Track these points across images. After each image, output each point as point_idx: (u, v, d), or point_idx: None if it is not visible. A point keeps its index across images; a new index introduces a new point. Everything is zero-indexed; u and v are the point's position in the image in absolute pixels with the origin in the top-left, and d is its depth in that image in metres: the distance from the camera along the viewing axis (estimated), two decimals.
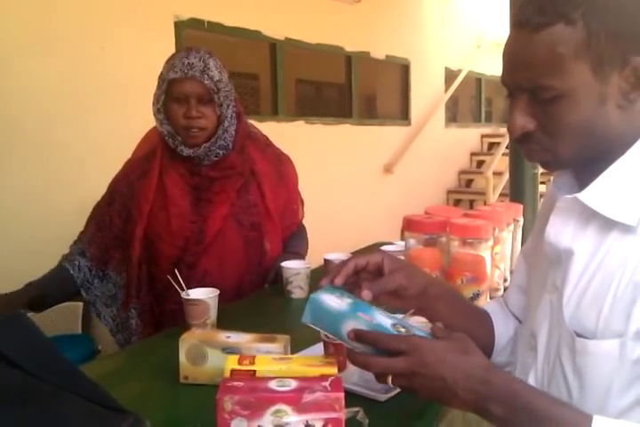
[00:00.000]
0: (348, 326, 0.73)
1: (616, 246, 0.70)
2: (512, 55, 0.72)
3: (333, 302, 0.76)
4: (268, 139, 1.70)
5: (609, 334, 0.68)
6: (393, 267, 0.84)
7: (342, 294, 0.78)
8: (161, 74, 1.48)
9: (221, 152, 1.50)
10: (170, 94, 1.45)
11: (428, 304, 0.88)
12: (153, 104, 1.49)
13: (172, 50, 3.39)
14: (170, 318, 1.49)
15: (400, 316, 0.82)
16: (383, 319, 0.75)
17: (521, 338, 0.89)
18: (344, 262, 0.83)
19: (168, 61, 1.47)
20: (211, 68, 1.44)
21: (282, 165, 1.68)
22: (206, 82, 1.42)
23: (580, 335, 0.71)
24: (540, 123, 0.72)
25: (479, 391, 0.67)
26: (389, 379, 0.71)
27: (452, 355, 0.69)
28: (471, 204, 6.19)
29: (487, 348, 0.94)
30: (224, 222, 1.52)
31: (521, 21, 0.70)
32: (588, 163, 0.75)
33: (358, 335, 0.72)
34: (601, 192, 0.71)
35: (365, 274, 0.84)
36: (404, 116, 5.75)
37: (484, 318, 0.96)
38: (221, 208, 1.51)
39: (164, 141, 1.52)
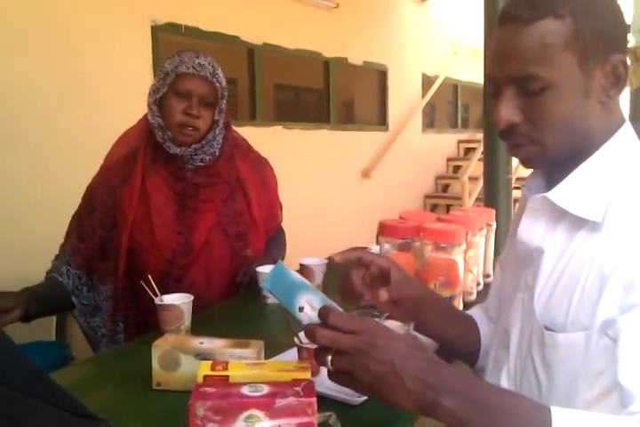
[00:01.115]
0: (303, 297, 0.71)
1: (584, 244, 0.73)
2: (502, 47, 0.74)
3: (297, 275, 0.75)
4: (248, 143, 1.69)
5: (577, 327, 0.71)
6: (399, 277, 0.87)
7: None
8: (163, 67, 1.43)
9: (207, 158, 1.48)
10: (174, 88, 1.41)
11: (422, 314, 0.90)
12: (149, 94, 1.45)
13: (149, 54, 3.38)
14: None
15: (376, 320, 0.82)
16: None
17: (495, 337, 0.91)
18: (353, 249, 0.85)
19: (173, 57, 1.43)
20: (219, 74, 1.44)
21: (263, 169, 1.66)
22: (216, 84, 1.42)
23: (549, 329, 0.73)
24: (526, 115, 0.74)
25: (429, 381, 0.62)
26: (329, 358, 0.66)
27: (403, 345, 0.65)
28: (448, 208, 6.24)
29: (474, 352, 0.97)
30: (210, 233, 1.49)
31: (511, 16, 0.73)
32: (561, 162, 0.77)
33: (321, 312, 0.68)
34: (569, 191, 0.74)
35: (363, 271, 0.86)
36: (381, 121, 5.79)
37: (471, 324, 0.99)
38: (207, 218, 1.48)
39: (149, 138, 1.47)
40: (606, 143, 0.75)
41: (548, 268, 0.76)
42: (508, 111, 0.74)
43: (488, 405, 0.61)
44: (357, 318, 0.68)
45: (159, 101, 1.43)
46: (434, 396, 0.61)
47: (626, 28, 0.74)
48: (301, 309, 0.71)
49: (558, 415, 0.59)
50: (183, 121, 1.41)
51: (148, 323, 1.47)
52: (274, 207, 1.72)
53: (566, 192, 0.74)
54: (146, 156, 1.48)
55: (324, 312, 0.67)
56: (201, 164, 1.48)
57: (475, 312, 1.02)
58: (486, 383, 0.68)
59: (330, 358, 0.66)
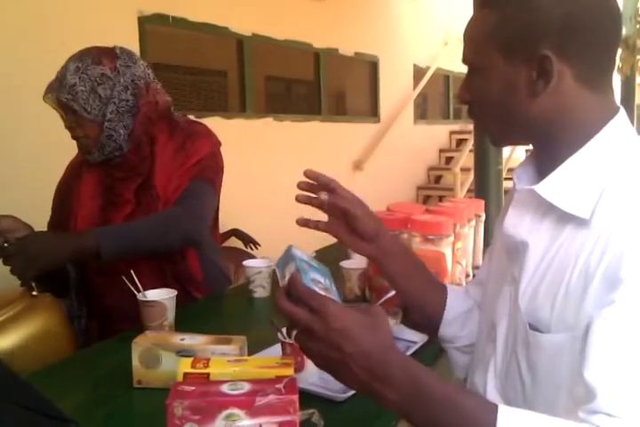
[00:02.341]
0: (290, 268, 0.73)
1: (570, 240, 0.70)
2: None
3: (300, 252, 0.78)
4: (186, 120, 1.60)
5: (562, 327, 0.68)
6: (364, 211, 0.88)
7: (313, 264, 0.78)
8: None
9: (117, 153, 1.46)
10: None
11: (380, 257, 0.90)
12: None
13: (136, 46, 3.33)
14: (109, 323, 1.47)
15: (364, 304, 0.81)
16: (316, 277, 0.73)
17: (481, 329, 0.90)
18: (323, 175, 0.89)
19: None
20: (67, 76, 1.39)
21: (192, 143, 1.52)
22: (59, 92, 1.40)
23: (534, 328, 0.71)
24: (472, 95, 0.80)
25: (375, 371, 0.63)
26: (293, 333, 0.68)
27: (356, 328, 0.65)
28: (440, 199, 6.23)
29: (435, 316, 0.95)
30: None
31: (478, 2, 0.78)
32: (549, 154, 0.76)
33: (290, 279, 0.69)
34: (557, 185, 0.72)
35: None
36: (373, 112, 5.76)
37: (439, 289, 0.97)
38: (122, 211, 1.48)
39: None
40: (598, 134, 0.72)
41: (532, 264, 0.74)
42: (462, 89, 0.81)
43: (432, 400, 0.61)
44: (318, 294, 0.67)
45: None
46: (379, 387, 0.63)
47: (578, 20, 0.70)
48: (284, 277, 0.72)
49: (504, 416, 0.59)
50: (72, 136, 1.45)
51: (112, 320, 1.48)
52: (186, 176, 1.51)
53: (554, 186, 0.72)
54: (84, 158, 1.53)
55: (291, 281, 0.68)
56: (119, 160, 1.48)
57: (452, 286, 1.00)
58: (434, 377, 0.65)
59: (294, 333, 0.68)
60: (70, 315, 1.44)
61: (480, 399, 0.63)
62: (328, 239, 2.14)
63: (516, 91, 0.74)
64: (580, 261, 0.68)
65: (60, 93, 1.39)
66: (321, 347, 0.65)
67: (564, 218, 0.72)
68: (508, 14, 0.72)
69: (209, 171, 1.52)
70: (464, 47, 0.79)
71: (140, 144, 1.47)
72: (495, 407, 0.60)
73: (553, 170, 0.73)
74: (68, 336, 1.29)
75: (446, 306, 0.95)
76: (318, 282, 0.72)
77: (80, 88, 1.39)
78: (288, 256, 0.77)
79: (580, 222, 0.70)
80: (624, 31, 4.55)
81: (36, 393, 0.62)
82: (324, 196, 0.87)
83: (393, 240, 0.91)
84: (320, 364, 0.67)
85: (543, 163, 0.79)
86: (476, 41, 0.76)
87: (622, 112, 0.75)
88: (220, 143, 1.60)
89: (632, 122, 0.77)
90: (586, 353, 0.62)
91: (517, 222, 0.77)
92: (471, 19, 0.79)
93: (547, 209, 0.74)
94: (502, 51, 0.73)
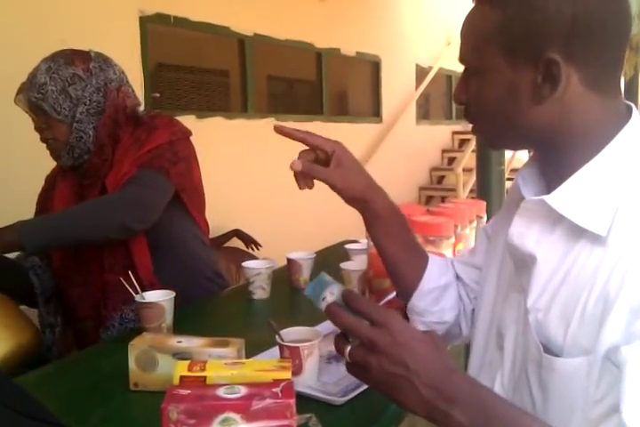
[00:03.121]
0: (328, 290, 0.71)
1: (584, 257, 0.66)
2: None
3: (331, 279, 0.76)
4: (149, 115, 1.51)
5: (576, 352, 0.64)
6: (337, 163, 0.85)
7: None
8: None
9: (86, 157, 1.42)
10: None
11: (366, 217, 0.89)
12: None
13: (137, 46, 3.33)
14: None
15: None
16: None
17: (484, 328, 0.85)
18: (307, 132, 0.86)
19: None
20: (37, 75, 1.37)
21: (147, 135, 1.45)
22: (29, 92, 1.37)
23: (546, 349, 0.67)
24: (468, 97, 0.76)
25: (442, 390, 0.60)
26: (348, 349, 0.65)
27: (422, 345, 0.63)
28: (443, 200, 6.23)
29: (410, 285, 0.93)
30: None
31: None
32: (556, 159, 0.72)
33: (344, 293, 0.68)
34: (570, 196, 0.67)
35: (312, 154, 0.87)
36: (375, 113, 5.76)
37: (420, 257, 0.94)
38: None
39: None
40: (611, 142, 0.67)
41: (542, 278, 0.69)
42: (459, 90, 0.77)
43: (497, 419, 0.60)
44: (381, 308, 0.65)
45: None
46: (446, 407, 0.60)
47: (586, 23, 0.65)
48: (324, 299, 0.71)
49: None
50: (41, 138, 1.43)
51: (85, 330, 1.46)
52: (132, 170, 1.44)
53: (567, 197, 0.67)
54: (58, 165, 1.51)
55: (346, 295, 0.67)
56: (85, 165, 1.44)
57: (434, 256, 0.97)
58: (498, 397, 0.64)
59: (349, 348, 0.65)
60: (42, 324, 1.43)
61: (542, 423, 0.61)
62: (328, 241, 2.13)
63: (519, 95, 0.69)
64: (598, 285, 0.63)
65: (30, 93, 1.37)
66: (384, 362, 0.62)
67: (576, 231, 0.67)
68: (512, 13, 0.67)
69: (162, 159, 1.41)
70: (461, 45, 0.75)
71: (103, 147, 1.42)
72: None
73: (560, 178, 0.68)
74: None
75: (424, 276, 0.92)
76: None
77: (50, 87, 1.37)
78: (322, 282, 0.74)
79: (594, 238, 0.65)
80: None
81: (24, 394, 0.61)
82: (297, 165, 0.85)
83: (382, 201, 0.88)
84: (379, 380, 0.63)
85: (548, 169, 0.75)
86: (476, 40, 0.71)
87: (635, 117, 0.70)
88: (184, 133, 1.50)
89: None
90: (621, 393, 0.59)
91: (524, 232, 0.72)
92: (469, 15, 0.73)
93: (556, 220, 0.69)
94: (504, 52, 0.69)
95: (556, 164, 0.72)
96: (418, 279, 0.92)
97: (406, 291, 0.94)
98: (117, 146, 1.44)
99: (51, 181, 1.54)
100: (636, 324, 0.60)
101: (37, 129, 1.42)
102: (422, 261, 0.94)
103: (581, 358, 0.64)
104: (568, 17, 0.65)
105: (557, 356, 0.66)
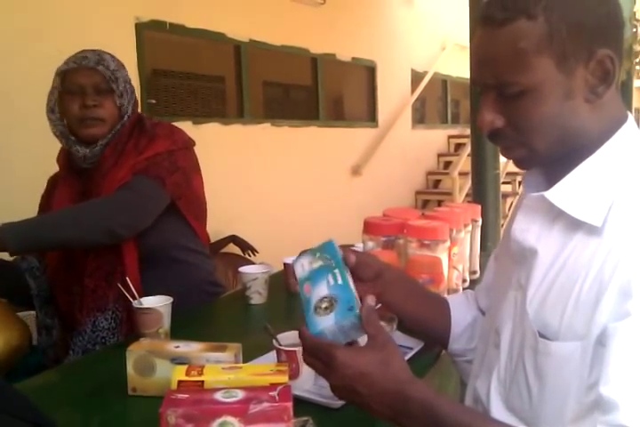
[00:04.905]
0: (314, 263, 0.80)
1: (581, 247, 0.69)
2: (478, 52, 0.72)
3: (300, 266, 0.82)
4: (151, 123, 1.51)
5: (571, 336, 0.67)
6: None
7: (321, 255, 0.81)
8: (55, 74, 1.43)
9: (112, 144, 1.42)
10: (64, 88, 1.39)
11: (384, 288, 0.90)
12: (46, 105, 1.42)
13: (133, 52, 3.34)
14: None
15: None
16: (318, 292, 0.76)
17: (484, 333, 0.89)
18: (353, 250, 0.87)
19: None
20: (106, 60, 1.40)
21: (147, 144, 1.44)
22: (100, 69, 1.37)
23: (542, 336, 0.70)
24: (509, 119, 0.72)
25: (395, 407, 0.68)
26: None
27: (369, 369, 0.69)
28: (439, 204, 6.23)
29: (443, 334, 0.95)
30: None
31: (485, 18, 0.70)
32: (560, 160, 0.74)
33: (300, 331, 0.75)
34: (568, 191, 0.71)
35: None
36: (371, 117, 5.77)
37: (441, 305, 0.97)
38: None
39: (62, 151, 1.48)
40: (608, 141, 0.71)
41: (541, 270, 0.73)
42: (490, 116, 0.73)
43: (447, 422, 0.66)
44: (326, 345, 0.72)
45: (57, 108, 1.42)
46: (407, 422, 0.69)
47: (616, 20, 0.69)
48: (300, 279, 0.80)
49: None
50: (82, 115, 1.38)
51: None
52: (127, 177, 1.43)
53: (566, 193, 0.71)
54: (62, 168, 1.51)
55: (300, 334, 0.75)
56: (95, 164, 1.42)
57: (453, 296, 1.01)
58: (452, 405, 0.69)
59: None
60: (38, 326, 1.43)
61: (502, 424, 0.66)
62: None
63: (575, 99, 0.69)
64: (593, 270, 0.66)
65: (107, 71, 1.38)
66: (342, 393, 0.72)
67: (574, 225, 0.70)
68: (557, 19, 0.66)
69: (159, 168, 1.39)
70: (488, 69, 0.71)
71: (121, 141, 1.43)
72: None
73: (561, 175, 0.72)
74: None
75: (452, 321, 0.95)
76: (323, 298, 0.76)
77: (121, 74, 1.41)
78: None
79: (590, 230, 0.68)
80: None
81: (21, 399, 0.61)
82: None
83: (390, 271, 0.93)
84: (347, 400, 0.75)
85: (551, 169, 0.77)
86: (519, 57, 0.68)
87: (631, 118, 0.74)
88: (185, 143, 1.50)
89: None
90: (603, 366, 0.62)
91: (526, 228, 0.76)
92: (492, 38, 0.70)
93: (556, 215, 0.73)
94: (557, 60, 0.67)
95: (558, 162, 0.74)
96: (447, 325, 0.95)
97: (441, 340, 0.97)
98: (121, 148, 1.45)
99: (53, 184, 1.54)
100: (624, 304, 0.63)
101: (87, 106, 1.37)
102: (443, 307, 0.97)
103: (576, 342, 0.67)
104: (604, 13, 0.68)
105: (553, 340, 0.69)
